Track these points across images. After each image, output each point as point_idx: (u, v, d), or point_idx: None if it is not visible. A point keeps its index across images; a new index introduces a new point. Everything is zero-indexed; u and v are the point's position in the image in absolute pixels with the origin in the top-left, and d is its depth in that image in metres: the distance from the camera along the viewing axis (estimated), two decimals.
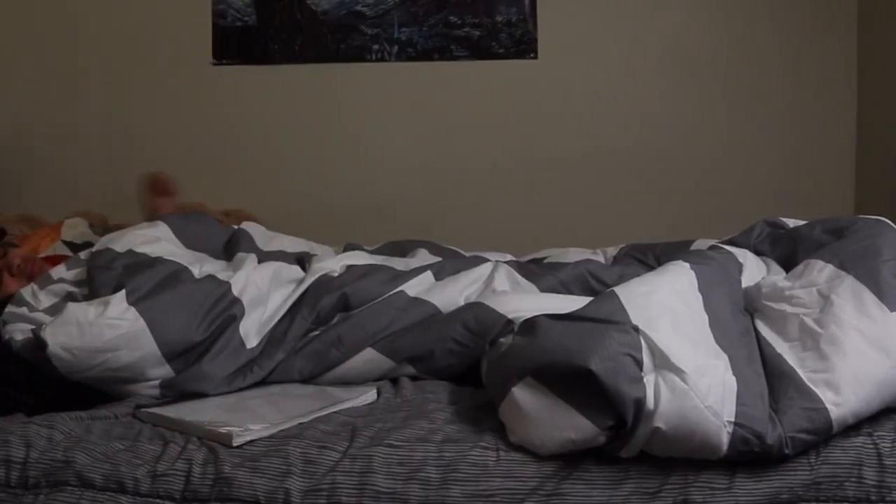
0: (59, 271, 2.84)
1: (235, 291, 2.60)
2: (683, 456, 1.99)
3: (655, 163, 4.35)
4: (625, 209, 4.33)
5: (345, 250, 3.15)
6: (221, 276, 2.68)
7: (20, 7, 4.55)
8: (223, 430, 2.17)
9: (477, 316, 2.52)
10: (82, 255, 2.89)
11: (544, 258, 3.14)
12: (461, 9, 4.36)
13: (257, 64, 4.47)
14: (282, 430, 2.18)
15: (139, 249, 2.80)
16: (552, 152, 4.36)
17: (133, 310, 2.47)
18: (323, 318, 2.63)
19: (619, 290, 2.24)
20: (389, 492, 2.00)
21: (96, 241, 3.65)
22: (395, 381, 2.52)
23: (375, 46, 4.41)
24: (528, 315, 2.28)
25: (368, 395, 2.42)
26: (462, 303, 2.64)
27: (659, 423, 1.95)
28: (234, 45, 4.47)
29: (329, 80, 4.45)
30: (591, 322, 2.10)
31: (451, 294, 2.68)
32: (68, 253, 3.42)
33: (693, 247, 3.03)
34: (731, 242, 2.86)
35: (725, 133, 4.34)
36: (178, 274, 2.67)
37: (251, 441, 2.14)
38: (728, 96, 4.33)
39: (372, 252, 3.13)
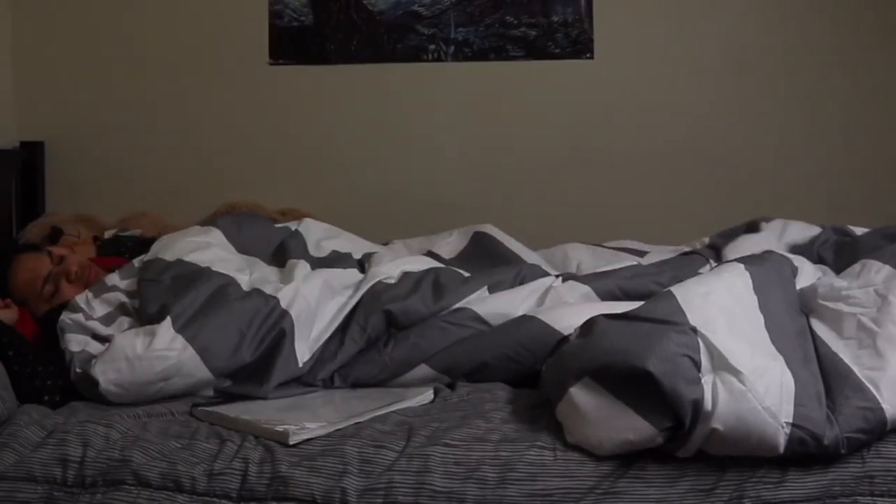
0: (113, 279, 2.86)
1: (284, 305, 2.59)
2: (740, 455, 1.99)
3: (710, 163, 4.32)
4: (679, 208, 4.29)
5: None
6: (269, 289, 2.66)
7: (78, 7, 4.59)
8: (279, 428, 2.17)
9: (532, 332, 2.52)
10: (136, 262, 2.91)
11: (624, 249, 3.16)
12: (517, 9, 4.35)
13: (313, 64, 4.47)
14: (338, 430, 2.19)
15: (188, 258, 2.81)
16: (607, 152, 4.34)
17: (180, 338, 2.47)
18: (374, 338, 2.63)
19: (676, 289, 2.24)
20: (446, 491, 2.00)
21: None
22: (451, 384, 2.52)
23: (432, 46, 4.40)
24: None
25: (425, 395, 2.42)
26: (518, 314, 2.64)
27: (716, 424, 1.94)
28: (291, 45, 4.47)
29: (385, 80, 4.45)
30: (648, 322, 2.10)
31: (507, 308, 2.67)
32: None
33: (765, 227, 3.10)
34: (794, 250, 2.85)
35: (780, 134, 4.30)
36: (224, 290, 2.65)
37: (308, 440, 2.15)
38: (784, 97, 4.29)
39: (449, 258, 3.12)
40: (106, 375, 2.42)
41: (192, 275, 2.71)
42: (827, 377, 2.12)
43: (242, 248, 3.00)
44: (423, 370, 2.55)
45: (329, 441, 2.14)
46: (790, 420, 1.95)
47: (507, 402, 2.31)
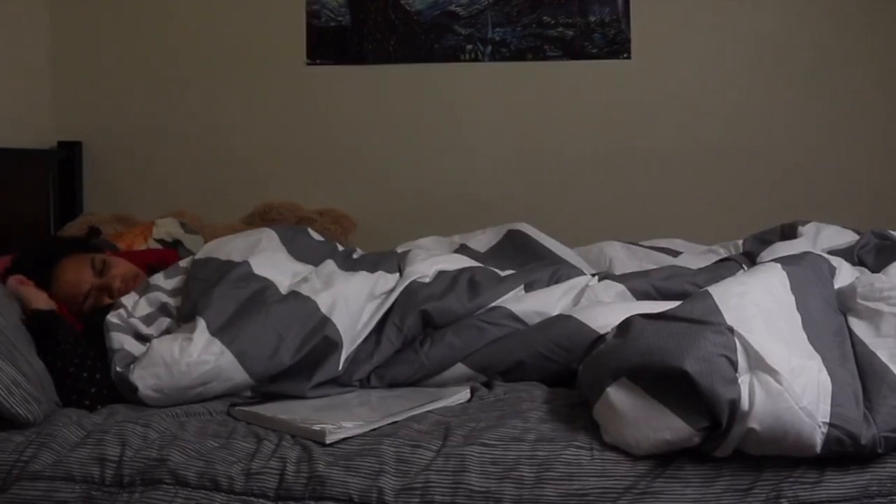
0: (157, 279, 2.86)
1: (324, 310, 2.59)
2: (776, 454, 1.98)
3: (747, 162, 4.30)
4: (716, 208, 4.28)
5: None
6: (306, 289, 2.66)
7: (115, 9, 4.61)
8: (316, 427, 2.18)
9: (568, 331, 2.52)
10: (182, 263, 2.92)
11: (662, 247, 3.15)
12: (555, 9, 4.35)
13: (351, 64, 4.48)
14: (375, 429, 2.19)
15: (237, 258, 2.82)
16: (644, 151, 4.33)
17: (217, 342, 2.47)
18: (410, 338, 2.63)
19: (712, 289, 2.23)
20: (483, 491, 2.00)
21: (187, 240, 3.69)
22: (488, 383, 2.52)
23: (469, 46, 4.40)
24: None
25: (462, 395, 2.42)
26: (554, 313, 2.63)
27: (753, 423, 1.94)
28: (328, 45, 4.49)
29: (422, 80, 4.45)
30: (685, 322, 2.09)
31: (543, 307, 2.66)
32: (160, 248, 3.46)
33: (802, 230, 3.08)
34: (833, 253, 2.84)
35: (817, 133, 4.28)
36: (262, 293, 2.65)
37: (345, 439, 2.15)
38: (821, 96, 4.27)
39: (483, 253, 3.12)
40: (144, 381, 2.43)
41: (234, 277, 2.71)
42: (864, 376, 2.11)
43: (296, 254, 2.98)
44: (459, 369, 2.55)
45: (365, 440, 2.14)
46: (827, 420, 1.94)
47: (544, 402, 2.30)
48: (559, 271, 2.86)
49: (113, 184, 4.61)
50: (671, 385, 1.99)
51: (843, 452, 1.94)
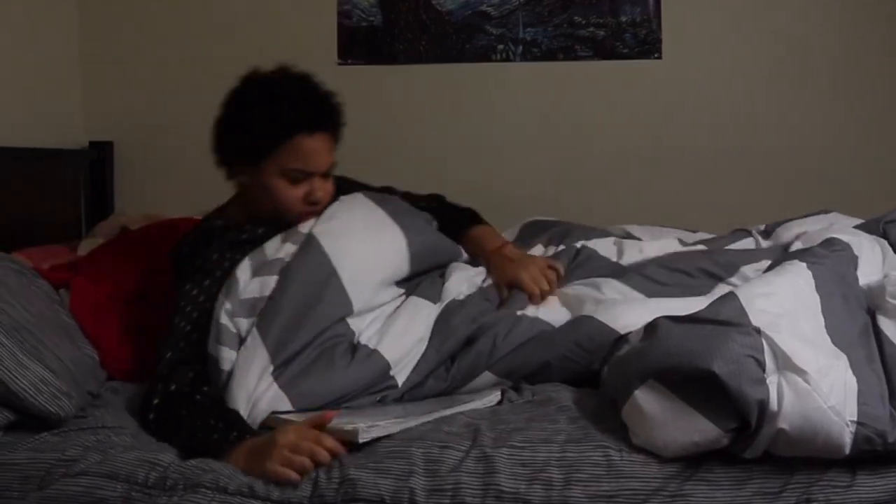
0: (273, 244, 2.74)
1: (393, 371, 2.50)
2: (806, 456, 1.99)
3: (779, 162, 4.29)
4: (747, 207, 4.24)
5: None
6: (389, 354, 2.53)
7: (146, 8, 4.62)
8: (348, 427, 2.17)
9: (589, 332, 2.51)
10: (303, 228, 2.77)
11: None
12: (586, 9, 4.34)
13: (382, 64, 4.48)
14: (405, 432, 2.20)
15: (344, 271, 2.64)
16: (675, 151, 4.32)
17: (284, 397, 2.39)
18: (446, 357, 2.58)
19: (739, 291, 2.24)
20: (512, 492, 2.01)
21: None
22: (517, 387, 2.52)
23: (500, 46, 4.40)
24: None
25: (492, 397, 2.42)
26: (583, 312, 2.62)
27: (783, 424, 1.95)
28: (360, 45, 4.49)
29: (454, 80, 4.45)
30: (712, 324, 2.10)
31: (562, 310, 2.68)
32: None
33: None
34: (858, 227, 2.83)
35: (852, 134, 4.26)
36: (331, 351, 2.50)
37: (377, 440, 2.16)
38: (850, 97, 4.25)
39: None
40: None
41: (322, 316, 2.56)
42: (891, 376, 2.12)
43: (414, 262, 2.84)
44: (486, 377, 2.54)
45: (396, 443, 2.15)
46: (854, 418, 1.95)
47: (573, 403, 2.31)
48: (580, 253, 2.91)
49: (144, 183, 4.62)
50: (699, 387, 2.00)
51: (872, 452, 1.95)
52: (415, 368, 2.53)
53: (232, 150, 2.83)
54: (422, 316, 2.65)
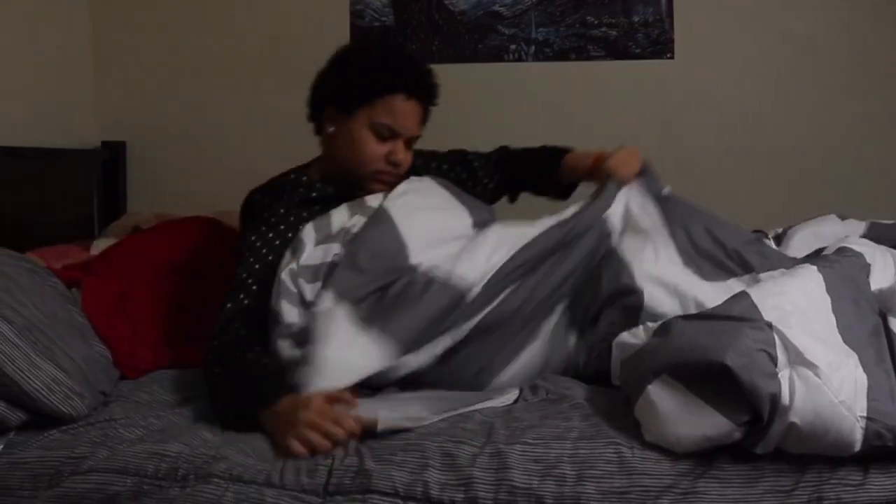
0: (340, 213, 2.72)
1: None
2: (818, 453, 1.99)
3: (790, 162, 4.30)
4: (759, 208, 4.25)
5: None
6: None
7: (158, 9, 4.64)
8: (370, 416, 2.18)
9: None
10: (372, 202, 2.76)
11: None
12: (598, 9, 4.35)
13: None
14: (420, 427, 2.20)
15: (410, 241, 2.62)
16: (688, 151, 4.33)
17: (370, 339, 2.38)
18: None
19: (751, 290, 2.25)
20: (525, 488, 2.01)
21: None
22: (533, 386, 2.50)
23: (513, 46, 4.41)
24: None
25: (508, 397, 2.42)
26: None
27: (794, 418, 1.95)
28: None
29: (466, 80, 4.44)
30: (724, 320, 2.12)
31: None
32: None
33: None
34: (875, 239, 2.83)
35: (863, 134, 4.26)
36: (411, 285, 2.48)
37: (394, 432, 2.17)
38: (864, 97, 4.26)
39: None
40: (307, 388, 2.31)
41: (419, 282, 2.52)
42: None
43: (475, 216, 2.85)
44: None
45: (411, 438, 2.16)
46: (864, 414, 1.96)
47: (585, 401, 2.31)
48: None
49: (157, 184, 4.64)
50: (711, 381, 2.00)
51: (883, 448, 1.96)
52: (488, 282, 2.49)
53: (330, 94, 2.86)
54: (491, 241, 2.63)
